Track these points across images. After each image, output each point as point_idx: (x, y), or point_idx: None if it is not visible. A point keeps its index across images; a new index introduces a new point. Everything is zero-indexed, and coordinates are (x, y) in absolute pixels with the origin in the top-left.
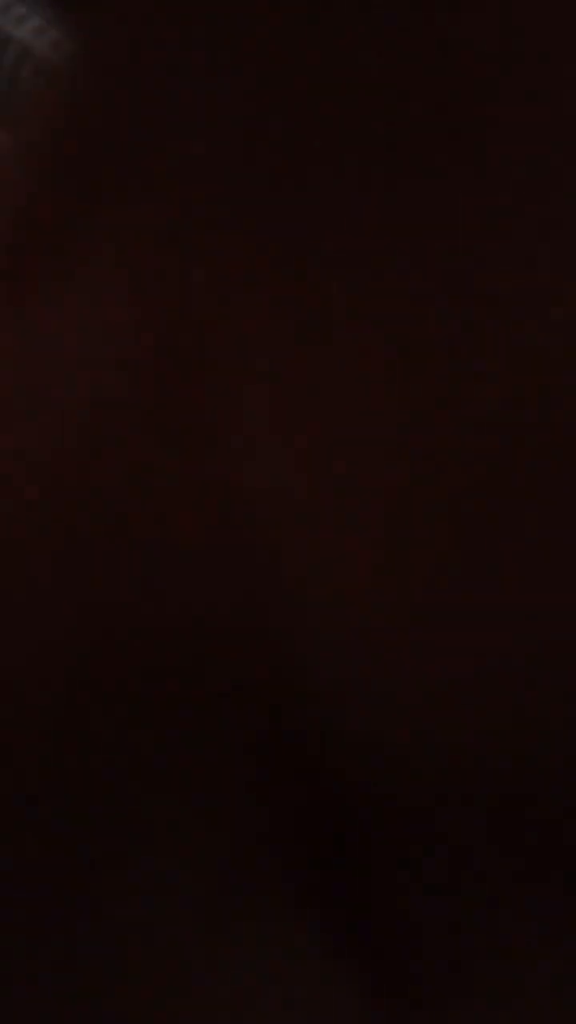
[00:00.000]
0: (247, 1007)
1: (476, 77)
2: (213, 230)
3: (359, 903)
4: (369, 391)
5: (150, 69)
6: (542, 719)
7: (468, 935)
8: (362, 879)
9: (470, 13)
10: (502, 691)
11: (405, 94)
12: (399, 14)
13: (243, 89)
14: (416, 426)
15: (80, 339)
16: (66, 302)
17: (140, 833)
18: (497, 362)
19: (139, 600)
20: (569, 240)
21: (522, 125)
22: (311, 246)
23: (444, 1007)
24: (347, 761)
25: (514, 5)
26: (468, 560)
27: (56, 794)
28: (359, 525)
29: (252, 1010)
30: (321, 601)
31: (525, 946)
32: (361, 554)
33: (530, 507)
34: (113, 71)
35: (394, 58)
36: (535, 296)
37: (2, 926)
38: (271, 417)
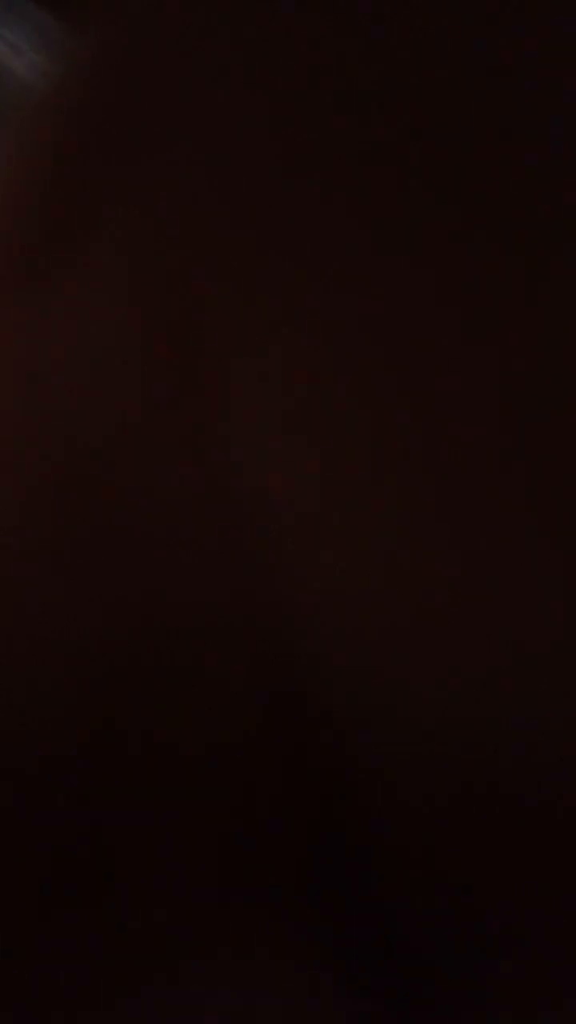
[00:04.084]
0: (245, 1011)
1: (475, 84)
2: (211, 228)
3: (354, 900)
4: (371, 394)
5: (149, 71)
6: (538, 718)
7: (466, 936)
8: (357, 873)
9: (469, 18)
10: (492, 688)
11: (403, 95)
12: (397, 18)
13: (238, 90)
14: (416, 425)
15: (83, 338)
16: (69, 301)
17: (140, 830)
18: (503, 364)
19: (140, 597)
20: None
21: (523, 129)
22: (309, 244)
23: (440, 1010)
24: (344, 757)
25: (512, 11)
26: (465, 560)
27: (57, 791)
28: (359, 526)
29: (250, 1013)
30: (320, 600)
31: (524, 947)
32: (360, 555)
33: (528, 509)
34: (112, 73)
35: (391, 62)
36: (536, 302)
37: (4, 925)
38: (272, 417)
